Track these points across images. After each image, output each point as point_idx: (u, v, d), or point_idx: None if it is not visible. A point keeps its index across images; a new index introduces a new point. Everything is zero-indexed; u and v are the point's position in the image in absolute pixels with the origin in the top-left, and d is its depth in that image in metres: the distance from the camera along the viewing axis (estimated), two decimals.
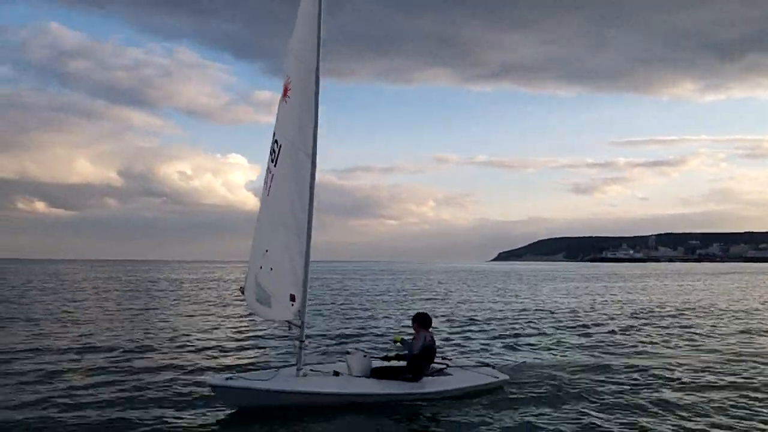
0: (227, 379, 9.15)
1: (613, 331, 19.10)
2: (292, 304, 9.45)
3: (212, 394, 9.36)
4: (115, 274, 72.24)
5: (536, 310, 27.20)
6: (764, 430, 8.59)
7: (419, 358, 9.97)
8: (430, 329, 10.40)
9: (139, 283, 52.51)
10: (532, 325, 20.96)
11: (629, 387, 11.04)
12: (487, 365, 11.75)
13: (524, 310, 27.19)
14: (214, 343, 16.06)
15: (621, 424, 8.80)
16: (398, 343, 10.38)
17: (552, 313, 25.79)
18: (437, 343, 10.68)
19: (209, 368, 12.46)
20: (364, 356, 10.10)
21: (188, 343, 15.93)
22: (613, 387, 11.03)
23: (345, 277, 70.73)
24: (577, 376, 11.83)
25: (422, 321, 10.42)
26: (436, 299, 34.35)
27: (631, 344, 16.33)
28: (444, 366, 10.91)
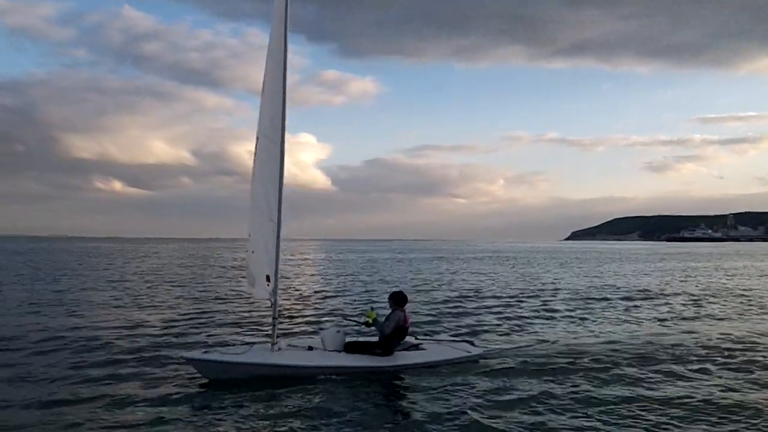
0: (204, 353, 10.01)
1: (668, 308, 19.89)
2: (268, 284, 10.30)
3: (189, 367, 9.92)
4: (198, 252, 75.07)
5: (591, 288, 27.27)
6: None
7: (390, 336, 10.55)
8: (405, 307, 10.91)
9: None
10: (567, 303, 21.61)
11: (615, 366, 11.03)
12: (467, 341, 12.00)
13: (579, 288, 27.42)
14: (203, 319, 16.68)
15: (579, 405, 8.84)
16: (369, 319, 10.61)
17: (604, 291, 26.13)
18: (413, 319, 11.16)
19: (189, 344, 12.65)
20: (338, 332, 10.71)
21: (180, 319, 16.75)
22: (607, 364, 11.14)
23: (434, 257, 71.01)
24: (565, 355, 11.87)
25: (398, 300, 10.88)
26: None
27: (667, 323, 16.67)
28: (419, 342, 11.45)
